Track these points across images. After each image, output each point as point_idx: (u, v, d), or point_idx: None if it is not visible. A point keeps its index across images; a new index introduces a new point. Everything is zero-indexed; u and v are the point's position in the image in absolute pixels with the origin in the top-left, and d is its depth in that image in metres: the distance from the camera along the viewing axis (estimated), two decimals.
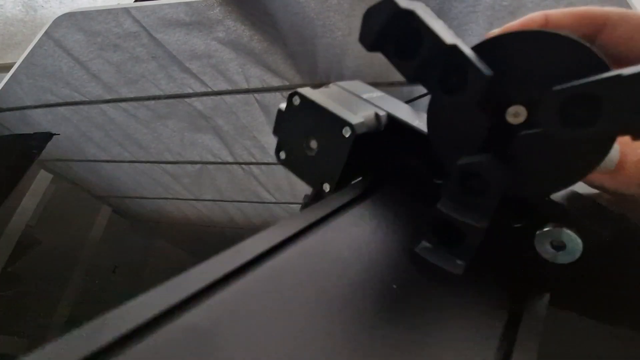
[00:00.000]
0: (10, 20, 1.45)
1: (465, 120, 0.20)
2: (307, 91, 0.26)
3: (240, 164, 0.44)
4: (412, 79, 0.18)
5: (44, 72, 0.59)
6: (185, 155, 0.46)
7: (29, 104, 0.55)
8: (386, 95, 0.31)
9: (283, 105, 0.27)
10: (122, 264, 0.38)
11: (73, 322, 0.30)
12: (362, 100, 0.29)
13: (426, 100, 0.21)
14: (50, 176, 0.47)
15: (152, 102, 0.51)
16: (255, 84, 0.50)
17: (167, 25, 0.61)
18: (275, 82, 0.50)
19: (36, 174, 0.46)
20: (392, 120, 0.26)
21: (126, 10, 0.65)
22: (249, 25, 0.58)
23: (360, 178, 0.27)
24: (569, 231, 0.19)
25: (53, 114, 0.53)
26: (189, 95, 0.51)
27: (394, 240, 0.21)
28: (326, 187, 0.26)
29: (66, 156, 0.49)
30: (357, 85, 0.31)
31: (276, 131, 0.27)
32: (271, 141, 0.27)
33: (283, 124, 0.27)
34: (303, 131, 0.26)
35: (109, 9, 0.66)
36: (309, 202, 0.34)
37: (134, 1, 0.76)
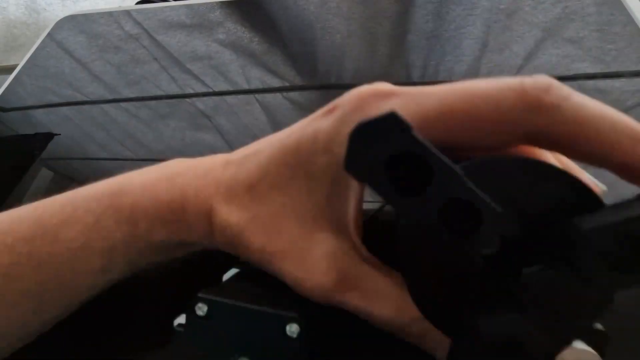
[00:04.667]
0: (14, 23, 1.46)
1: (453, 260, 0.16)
2: (212, 290, 0.18)
3: None
4: (412, 218, 0.14)
5: (46, 73, 0.59)
6: (187, 154, 0.46)
7: (31, 104, 0.56)
8: None
9: (180, 320, 0.19)
10: None
11: (71, 322, 0.30)
12: None
13: None
14: (51, 175, 0.47)
15: (154, 102, 0.52)
16: (256, 84, 0.51)
17: (168, 27, 0.61)
18: (276, 83, 0.51)
19: (37, 173, 0.47)
20: None
21: (127, 13, 0.65)
22: (249, 28, 0.59)
23: None
24: (583, 346, 0.15)
25: (55, 113, 0.54)
26: (190, 96, 0.51)
27: None
28: None
29: (68, 155, 0.49)
30: None
31: None
32: None
33: (183, 351, 0.19)
34: (222, 353, 0.18)
35: (110, 12, 0.67)
36: None
37: (135, 4, 0.77)
